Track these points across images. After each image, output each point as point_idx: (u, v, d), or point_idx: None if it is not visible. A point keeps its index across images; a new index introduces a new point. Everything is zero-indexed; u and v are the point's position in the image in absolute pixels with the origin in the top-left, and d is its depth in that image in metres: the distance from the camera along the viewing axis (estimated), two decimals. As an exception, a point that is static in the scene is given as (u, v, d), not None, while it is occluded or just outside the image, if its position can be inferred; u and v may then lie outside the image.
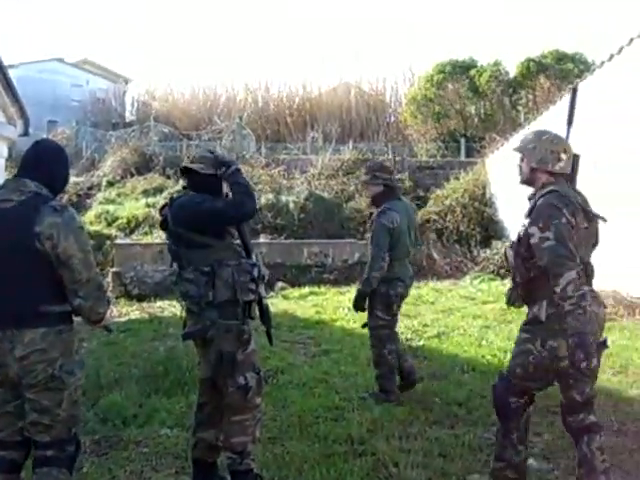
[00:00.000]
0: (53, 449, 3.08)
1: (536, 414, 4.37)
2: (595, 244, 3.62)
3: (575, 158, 3.67)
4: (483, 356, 7.00)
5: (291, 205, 14.49)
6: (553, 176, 3.56)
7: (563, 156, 3.58)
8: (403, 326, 8.63)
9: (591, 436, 3.37)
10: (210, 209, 3.60)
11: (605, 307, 3.68)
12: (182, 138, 21.00)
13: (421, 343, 7.74)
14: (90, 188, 17.82)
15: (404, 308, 9.99)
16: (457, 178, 15.87)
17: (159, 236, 14.67)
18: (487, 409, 4.88)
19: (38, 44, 56.72)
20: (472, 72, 25.19)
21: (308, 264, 13.20)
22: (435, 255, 13.80)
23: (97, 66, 33.96)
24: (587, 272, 3.44)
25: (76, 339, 3.23)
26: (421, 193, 15.75)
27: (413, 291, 11.57)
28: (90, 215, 15.75)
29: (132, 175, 18.19)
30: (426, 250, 13.94)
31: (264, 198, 14.76)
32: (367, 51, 55.34)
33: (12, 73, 29.29)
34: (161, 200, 16.37)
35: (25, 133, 12.35)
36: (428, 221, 14.79)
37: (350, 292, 11.73)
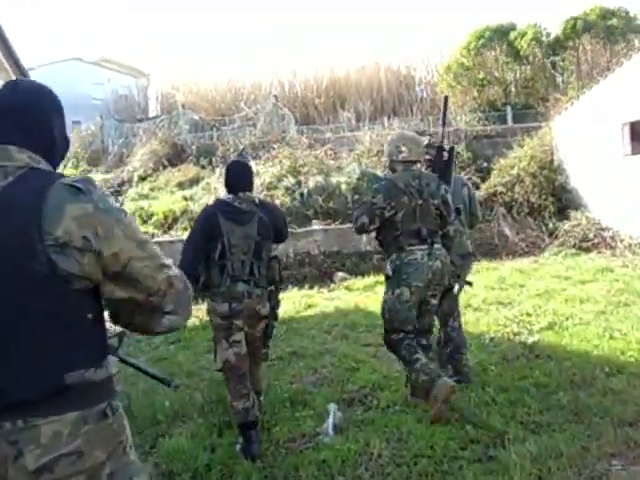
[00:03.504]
0: None
1: None
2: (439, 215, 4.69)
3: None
4: (623, 352, 5.60)
5: (343, 186, 13.12)
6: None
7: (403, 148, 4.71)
8: (502, 317, 7.33)
9: None
10: None
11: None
12: (213, 126, 19.73)
13: (535, 338, 6.36)
14: (121, 185, 16.66)
15: (492, 295, 8.77)
16: (521, 145, 14.39)
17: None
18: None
19: (55, 45, 55.82)
20: (512, 36, 23.75)
21: (368, 250, 11.81)
22: (507, 231, 12.38)
23: (117, 63, 33.20)
24: (421, 236, 4.56)
25: (126, 421, 1.87)
26: (483, 164, 14.32)
27: (494, 273, 10.36)
28: (123, 213, 14.57)
29: (164, 167, 17.00)
30: (496, 226, 12.52)
31: (312, 181, 13.43)
32: (395, 26, 53.48)
33: (32, 76, 28.59)
34: (199, 191, 15.19)
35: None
36: (494, 194, 13.33)
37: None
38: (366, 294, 9.72)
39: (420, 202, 4.58)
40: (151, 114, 26.94)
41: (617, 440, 3.87)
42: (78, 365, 1.68)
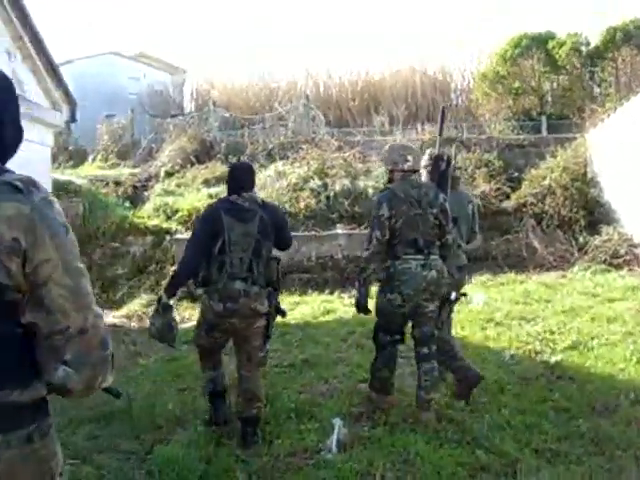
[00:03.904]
0: None
1: None
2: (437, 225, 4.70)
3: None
4: (650, 378, 5.32)
5: (370, 190, 12.83)
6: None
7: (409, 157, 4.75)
8: (525, 333, 7.05)
9: None
10: None
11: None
12: (244, 124, 19.59)
13: (558, 358, 6.07)
14: (148, 180, 16.54)
15: (516, 309, 8.48)
16: (554, 156, 14.01)
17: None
18: None
19: (94, 39, 56.30)
20: (550, 44, 23.34)
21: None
22: (535, 244, 12.02)
23: (154, 59, 33.25)
24: (418, 246, 4.60)
25: (58, 447, 1.67)
26: (514, 174, 13.97)
27: (519, 287, 10.05)
28: (148, 208, 14.47)
29: (192, 164, 16.86)
30: (524, 238, 12.18)
31: (338, 184, 13.17)
32: (432, 32, 53.01)
33: (69, 69, 28.65)
34: (225, 190, 15.03)
35: (72, 119, 11.13)
36: (524, 205, 12.95)
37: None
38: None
39: (419, 211, 4.66)
40: (186, 110, 27.03)
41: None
42: (2, 385, 1.48)
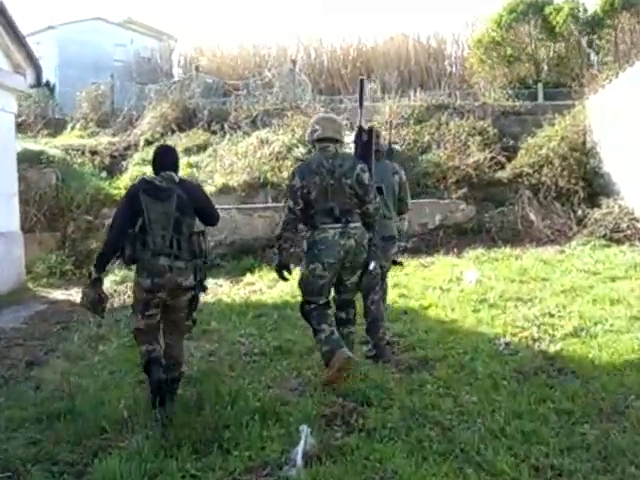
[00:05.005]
0: None
1: None
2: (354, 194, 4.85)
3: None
4: (664, 372, 4.70)
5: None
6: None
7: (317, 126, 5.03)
8: (521, 317, 6.47)
9: None
10: None
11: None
12: (228, 89, 18.79)
13: (557, 347, 5.46)
14: (127, 149, 15.80)
15: (511, 289, 7.87)
16: (552, 124, 13.29)
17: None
18: None
19: (79, 3, 54.82)
20: (547, 10, 22.54)
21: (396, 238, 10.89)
22: (532, 216, 11.37)
23: (141, 25, 32.39)
24: (334, 215, 4.80)
25: None
26: (510, 142, 13.25)
27: (515, 263, 9.39)
28: (125, 178, 13.76)
29: (173, 132, 16.11)
30: (520, 210, 11.53)
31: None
32: (424, -2, 51.74)
33: (52, 34, 27.61)
34: (205, 158, 14.33)
35: (37, 83, 10.39)
36: (520, 175, 12.24)
37: (435, 264, 9.56)
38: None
39: (332, 182, 4.83)
40: (175, 78, 26.27)
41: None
42: None
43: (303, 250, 4.97)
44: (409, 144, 13.20)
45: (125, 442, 4.00)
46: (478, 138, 13.18)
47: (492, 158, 12.68)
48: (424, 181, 12.23)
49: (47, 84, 22.09)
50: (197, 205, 4.53)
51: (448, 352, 5.47)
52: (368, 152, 5.14)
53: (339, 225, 4.81)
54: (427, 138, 13.32)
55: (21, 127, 17.07)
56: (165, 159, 4.65)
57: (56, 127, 18.60)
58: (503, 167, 12.66)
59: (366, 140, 5.16)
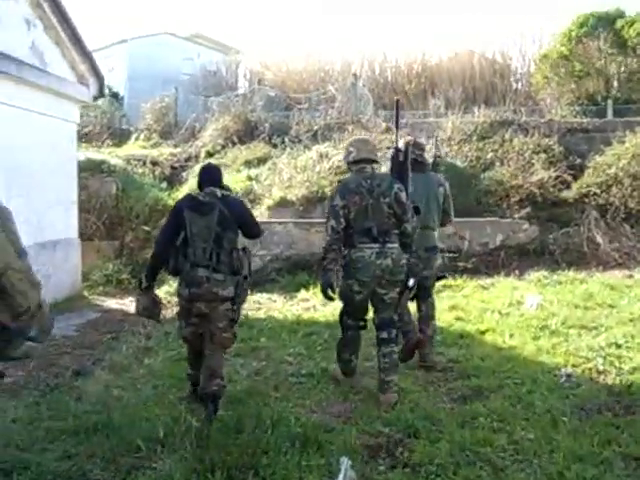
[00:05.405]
0: None
1: None
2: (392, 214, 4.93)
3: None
4: None
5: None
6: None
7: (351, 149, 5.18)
8: (585, 346, 6.08)
9: None
10: None
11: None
12: (290, 102, 18.76)
13: (625, 382, 5.06)
14: (187, 160, 15.90)
15: (575, 315, 7.47)
16: (622, 142, 12.76)
17: (260, 213, 12.58)
18: None
19: (149, 19, 56.13)
20: (619, 24, 21.87)
21: (439, 248, 10.49)
22: (598, 238, 10.87)
23: (208, 39, 33.04)
24: (372, 235, 4.89)
25: None
26: (576, 160, 12.75)
27: (579, 287, 8.93)
28: (184, 190, 13.77)
29: (234, 144, 16.15)
30: (586, 232, 11.04)
31: (385, 168, 12.25)
32: (490, 14, 51.08)
33: (123, 48, 28.28)
34: (264, 171, 14.26)
35: (100, 94, 10.48)
36: (587, 195, 11.73)
37: (495, 286, 9.18)
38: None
39: (371, 201, 4.93)
40: (240, 92, 26.56)
41: None
42: None
43: (341, 265, 5.12)
44: (471, 161, 12.83)
45: (159, 462, 3.86)
46: (543, 156, 12.70)
47: (557, 177, 12.19)
48: (486, 199, 11.84)
49: (116, 95, 22.62)
50: (239, 219, 4.70)
51: (504, 382, 5.16)
52: (404, 172, 5.18)
53: (377, 245, 4.91)
54: (490, 155, 12.92)
55: (87, 137, 17.44)
56: (209, 176, 4.89)
57: (121, 137, 18.94)
58: (569, 186, 12.15)
59: (402, 160, 5.20)
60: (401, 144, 5.37)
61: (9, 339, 1.58)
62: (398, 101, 5.82)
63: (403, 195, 4.98)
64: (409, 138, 6.02)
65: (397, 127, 5.67)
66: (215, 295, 4.54)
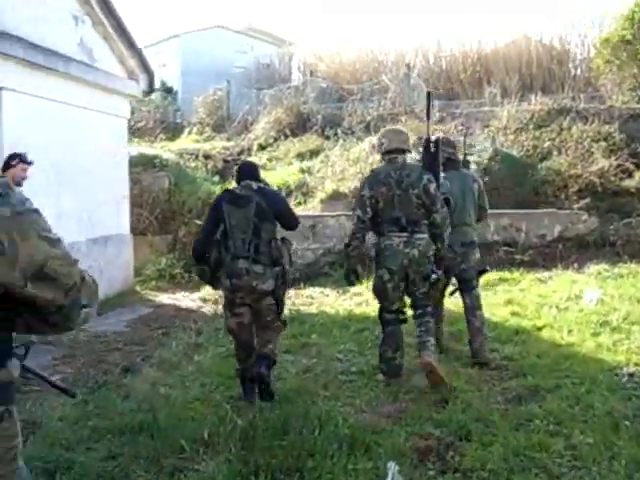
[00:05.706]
0: None
1: None
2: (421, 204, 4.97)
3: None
4: None
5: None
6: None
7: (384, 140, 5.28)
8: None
9: None
10: None
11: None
12: (343, 94, 18.60)
13: (691, 381, 4.82)
14: (240, 153, 15.92)
15: (638, 311, 7.14)
16: (688, 128, 12.25)
17: (313, 207, 12.50)
18: None
19: (202, 13, 56.57)
20: (686, 4, 21.06)
21: (495, 240, 10.27)
22: (665, 234, 10.46)
23: (261, 32, 33.14)
24: (401, 224, 4.97)
25: (19, 427, 1.85)
26: (639, 148, 12.24)
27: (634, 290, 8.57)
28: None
29: (286, 137, 16.11)
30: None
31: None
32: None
33: (176, 43, 28.53)
34: (317, 164, 14.15)
35: (150, 89, 10.51)
36: (651, 187, 11.36)
37: (553, 280, 8.89)
38: (484, 293, 8.27)
39: (399, 192, 5.01)
40: (293, 84, 26.59)
41: None
42: None
43: (372, 258, 5.30)
44: (527, 150, 12.48)
45: (202, 464, 3.80)
46: (603, 144, 12.27)
47: (619, 165, 11.77)
48: (543, 189, 11.50)
49: (170, 90, 22.81)
50: (276, 211, 4.78)
51: (562, 381, 4.94)
52: (435, 163, 5.26)
53: (405, 234, 5.01)
54: (547, 144, 12.54)
55: (140, 131, 17.62)
56: (246, 171, 5.01)
57: (174, 131, 19.08)
58: (631, 175, 11.71)
59: (433, 151, 5.26)
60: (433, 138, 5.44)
61: (68, 314, 1.80)
62: (429, 93, 5.98)
63: (432, 186, 5.02)
64: (440, 135, 6.22)
65: (428, 118, 5.74)
66: (254, 288, 4.65)
